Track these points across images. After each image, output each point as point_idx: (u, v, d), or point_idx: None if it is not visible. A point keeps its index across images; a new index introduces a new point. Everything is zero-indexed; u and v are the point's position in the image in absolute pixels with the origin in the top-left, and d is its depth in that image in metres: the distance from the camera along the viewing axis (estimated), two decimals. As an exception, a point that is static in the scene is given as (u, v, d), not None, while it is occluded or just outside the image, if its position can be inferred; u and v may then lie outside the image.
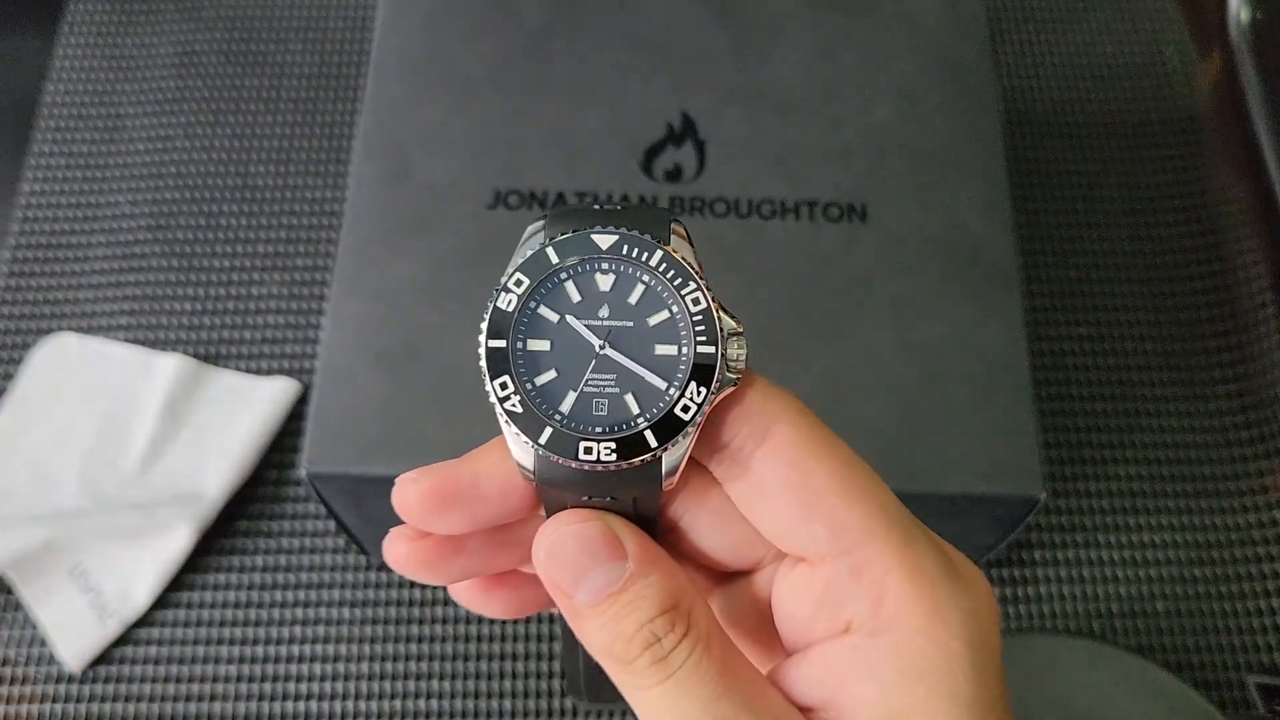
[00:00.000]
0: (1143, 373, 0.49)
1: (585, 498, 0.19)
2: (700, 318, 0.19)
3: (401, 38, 0.42)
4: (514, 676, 0.43)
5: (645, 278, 0.19)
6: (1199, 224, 0.53)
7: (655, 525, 0.20)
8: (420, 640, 0.43)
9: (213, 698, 0.42)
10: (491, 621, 0.44)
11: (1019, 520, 0.37)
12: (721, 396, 0.19)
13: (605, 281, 0.19)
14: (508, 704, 0.42)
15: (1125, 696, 0.40)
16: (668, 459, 0.19)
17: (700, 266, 0.19)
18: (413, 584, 0.44)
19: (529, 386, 0.19)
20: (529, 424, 0.18)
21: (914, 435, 0.36)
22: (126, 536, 0.43)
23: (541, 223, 0.19)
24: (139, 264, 0.51)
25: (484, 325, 0.19)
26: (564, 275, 0.19)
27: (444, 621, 0.44)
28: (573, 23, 0.43)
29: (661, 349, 0.19)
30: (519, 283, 0.19)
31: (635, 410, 0.18)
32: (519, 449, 0.19)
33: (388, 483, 0.37)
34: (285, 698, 0.42)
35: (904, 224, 0.39)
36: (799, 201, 0.39)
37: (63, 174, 0.53)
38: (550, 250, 0.19)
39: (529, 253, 0.19)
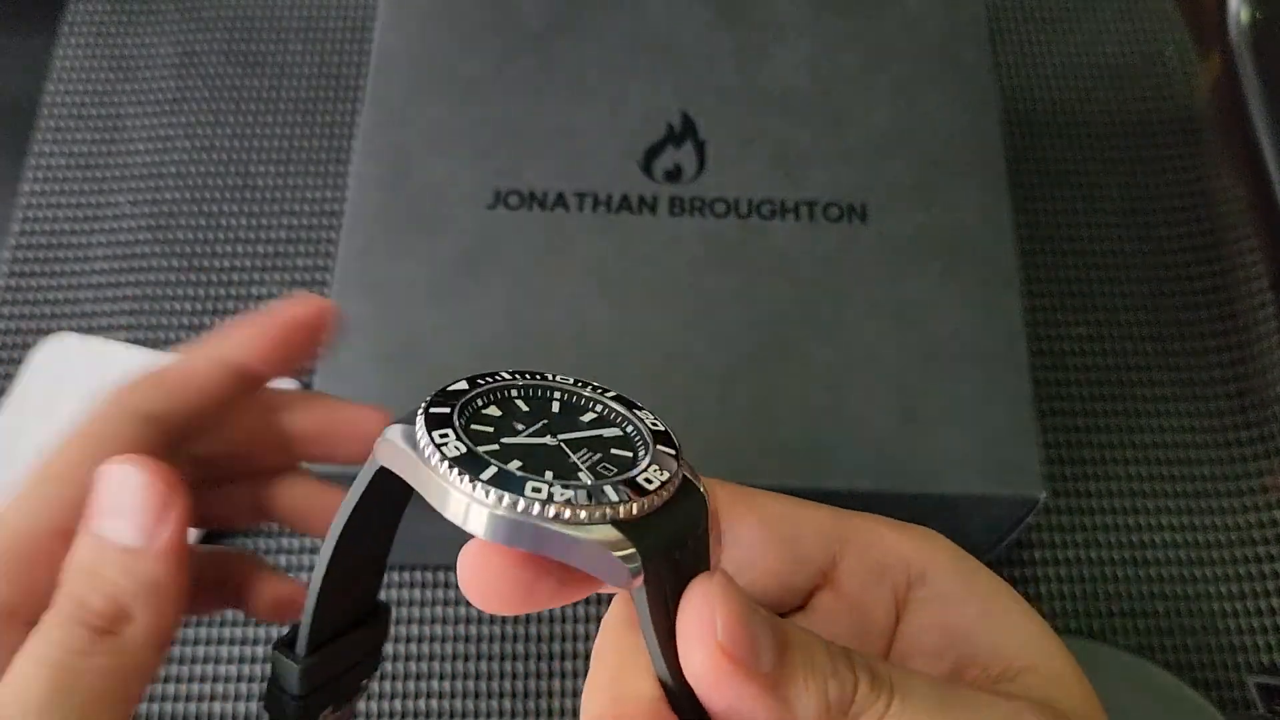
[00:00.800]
0: (1143, 373, 0.49)
1: (678, 554, 0.16)
2: (625, 406, 0.18)
3: (402, 38, 0.42)
4: (514, 676, 0.43)
5: (556, 394, 0.18)
6: (1199, 224, 0.53)
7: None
8: (420, 640, 0.43)
9: (213, 698, 0.42)
10: (492, 621, 0.44)
11: (1019, 520, 0.37)
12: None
13: (520, 402, 0.18)
14: (508, 704, 0.42)
15: (1125, 696, 0.40)
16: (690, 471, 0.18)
17: None
18: (413, 584, 0.44)
19: (555, 481, 0.16)
20: (600, 497, 0.16)
21: (914, 435, 0.36)
22: (127, 536, 0.43)
23: (393, 426, 0.17)
24: (139, 264, 0.51)
25: (462, 485, 0.16)
26: (466, 415, 0.17)
27: (444, 621, 0.44)
28: (573, 23, 0.43)
29: (603, 431, 0.18)
30: (443, 436, 0.16)
31: (629, 453, 0.17)
32: (602, 544, 0.15)
33: (388, 483, 0.37)
34: (285, 697, 0.42)
35: (904, 224, 0.39)
36: (799, 201, 0.39)
37: (63, 174, 0.53)
38: (435, 410, 0.17)
39: (415, 423, 0.17)
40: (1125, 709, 0.40)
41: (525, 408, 0.18)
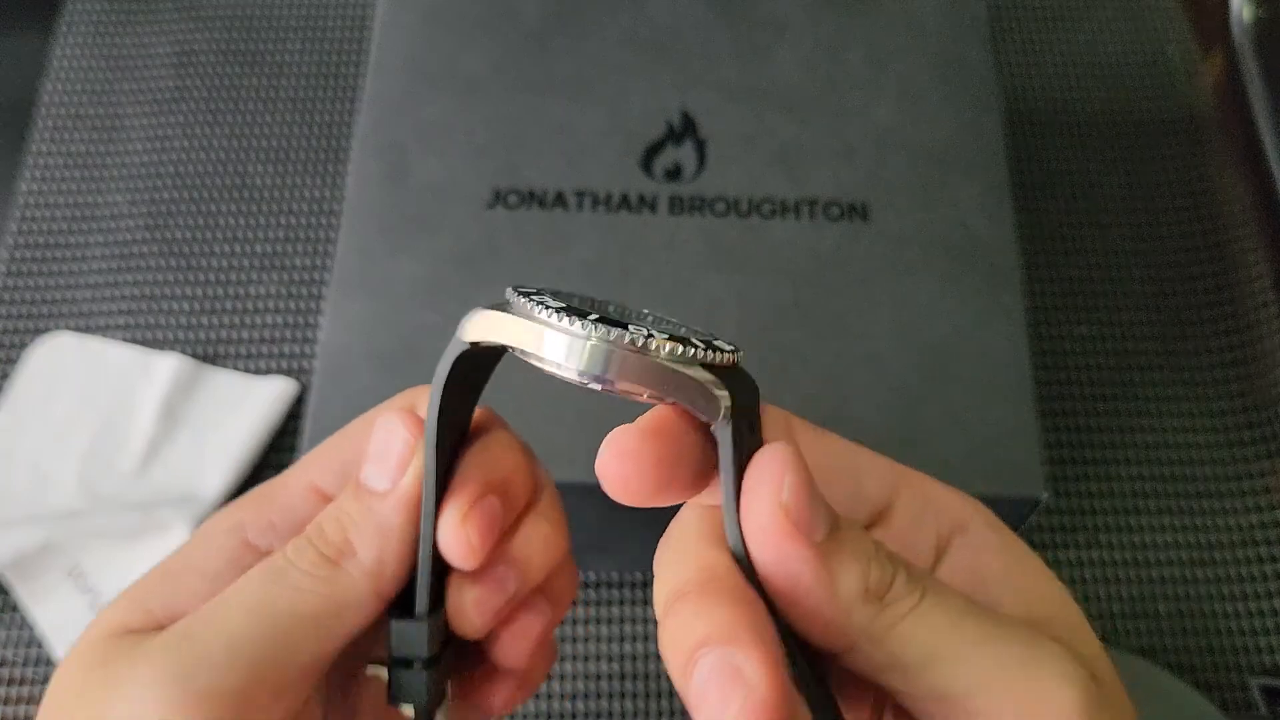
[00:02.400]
0: (1145, 373, 0.49)
1: (749, 419, 0.18)
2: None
3: (400, 36, 0.42)
4: (513, 678, 0.43)
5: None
6: (1201, 223, 0.53)
7: None
8: (419, 641, 0.43)
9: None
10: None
11: (1020, 521, 0.37)
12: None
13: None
14: (507, 705, 0.42)
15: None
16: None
17: None
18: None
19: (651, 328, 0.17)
20: (690, 343, 0.17)
21: (915, 435, 0.35)
22: (125, 537, 0.43)
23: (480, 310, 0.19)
24: (137, 263, 0.50)
25: (596, 334, 0.17)
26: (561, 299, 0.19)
27: (443, 622, 0.44)
28: (572, 21, 0.42)
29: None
30: (544, 303, 0.18)
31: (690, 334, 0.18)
32: (705, 384, 0.17)
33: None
34: (283, 699, 0.42)
35: (905, 223, 0.39)
36: (800, 200, 0.39)
37: (60, 173, 0.53)
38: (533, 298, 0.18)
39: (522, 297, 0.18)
40: (1127, 711, 0.39)
41: (588, 306, 0.19)
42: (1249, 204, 0.52)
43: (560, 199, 0.39)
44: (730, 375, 0.17)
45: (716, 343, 0.18)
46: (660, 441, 0.17)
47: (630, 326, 0.17)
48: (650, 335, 0.17)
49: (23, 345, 0.48)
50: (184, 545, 0.22)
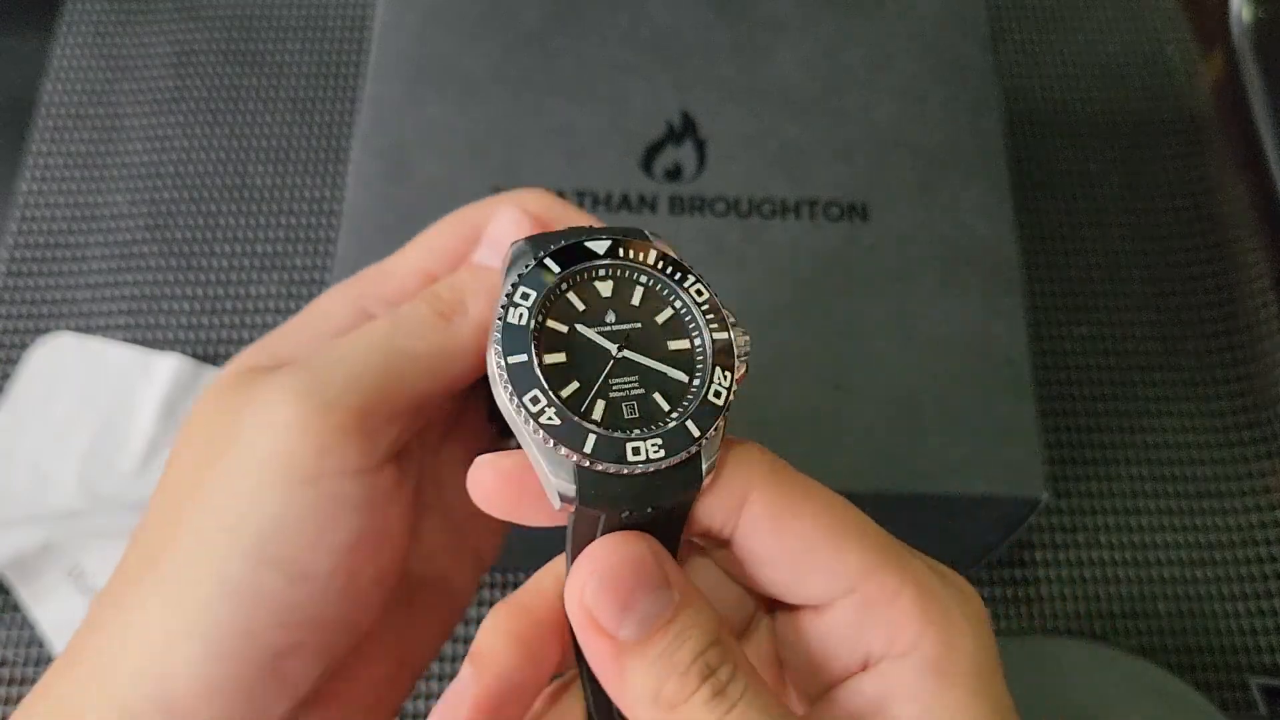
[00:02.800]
0: (1145, 373, 0.49)
1: (625, 514, 0.18)
2: (708, 307, 0.19)
3: (400, 36, 0.42)
4: (513, 678, 0.43)
5: (643, 278, 0.19)
6: (1201, 223, 0.53)
7: (678, 545, 0.19)
8: (419, 641, 0.43)
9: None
10: (491, 622, 0.43)
11: (1021, 521, 0.37)
12: (740, 377, 0.19)
13: (605, 288, 0.19)
14: (507, 705, 0.42)
15: (1127, 697, 0.40)
16: (706, 453, 0.18)
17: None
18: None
19: (555, 399, 0.18)
20: (570, 435, 0.17)
21: (915, 435, 0.35)
22: (124, 537, 0.43)
23: (524, 242, 0.19)
24: (137, 263, 0.50)
25: (498, 344, 0.18)
26: (565, 286, 0.19)
27: (443, 622, 0.44)
28: (572, 21, 0.42)
29: (675, 344, 0.19)
30: (525, 296, 0.18)
31: (667, 406, 0.18)
32: (556, 469, 0.18)
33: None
34: (283, 699, 0.42)
35: (905, 223, 0.39)
36: (800, 200, 0.39)
37: (60, 173, 0.53)
38: (548, 262, 0.19)
39: (525, 268, 0.19)
40: (1127, 710, 0.39)
41: (607, 294, 0.19)
42: (1248, 204, 0.52)
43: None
44: (624, 479, 0.18)
45: (649, 443, 0.18)
46: (512, 485, 0.19)
47: (541, 409, 0.18)
48: (542, 426, 0.18)
49: (23, 345, 0.48)
50: (303, 313, 0.25)
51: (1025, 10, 0.58)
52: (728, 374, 0.18)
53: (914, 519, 0.38)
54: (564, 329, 0.19)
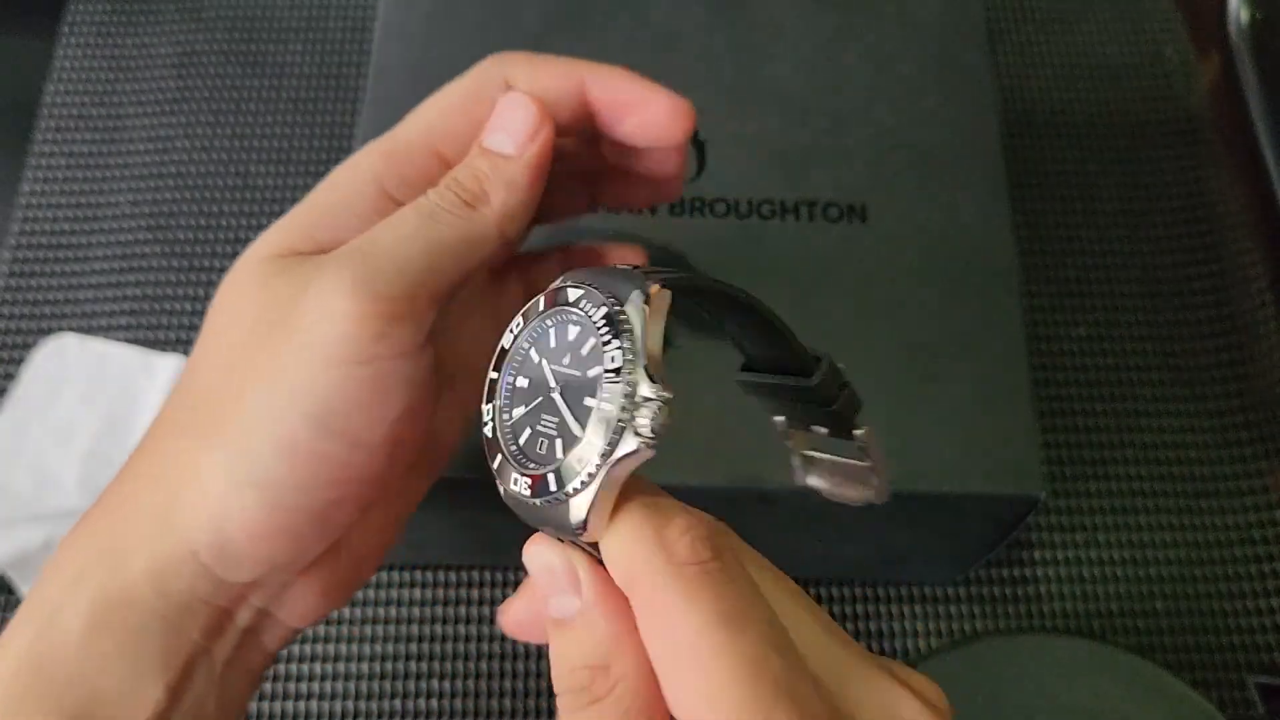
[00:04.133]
0: (1142, 373, 0.49)
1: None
2: (611, 377, 0.19)
3: (402, 38, 0.42)
4: (514, 676, 0.43)
5: (597, 333, 0.19)
6: (1198, 224, 0.53)
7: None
8: (420, 640, 0.43)
9: (213, 698, 0.42)
10: (492, 620, 0.44)
11: (1019, 520, 0.37)
12: (623, 459, 0.18)
13: (573, 332, 0.20)
14: (508, 703, 0.42)
15: (1125, 696, 0.40)
16: (573, 509, 0.19)
17: (655, 338, 0.19)
18: (413, 584, 0.44)
19: (505, 418, 0.21)
20: (492, 448, 0.21)
21: (913, 435, 0.36)
22: (127, 536, 0.44)
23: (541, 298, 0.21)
24: (139, 264, 0.51)
25: (492, 359, 0.21)
26: (549, 322, 0.20)
27: (444, 621, 0.44)
28: (572, 23, 0.43)
29: (588, 401, 0.19)
30: (518, 324, 0.21)
31: (559, 455, 0.19)
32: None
33: (388, 482, 0.36)
34: (285, 697, 0.42)
35: (904, 224, 0.39)
36: (798, 202, 0.40)
37: (63, 174, 0.53)
38: (541, 299, 0.21)
39: (534, 301, 0.21)
40: (1126, 710, 0.40)
41: (572, 338, 0.21)
42: (1246, 205, 0.53)
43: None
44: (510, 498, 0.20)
45: (516, 477, 0.20)
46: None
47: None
48: (484, 435, 0.21)
49: (26, 346, 0.49)
50: (324, 187, 0.27)
51: (1023, 12, 0.58)
52: (610, 446, 0.18)
53: (912, 518, 0.38)
54: (536, 359, 0.21)
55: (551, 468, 0.19)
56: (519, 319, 0.21)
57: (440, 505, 0.38)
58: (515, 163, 0.26)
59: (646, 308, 0.19)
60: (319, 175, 0.53)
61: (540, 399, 0.20)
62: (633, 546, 0.18)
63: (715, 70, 0.42)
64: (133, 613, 0.23)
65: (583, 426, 0.19)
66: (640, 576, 0.18)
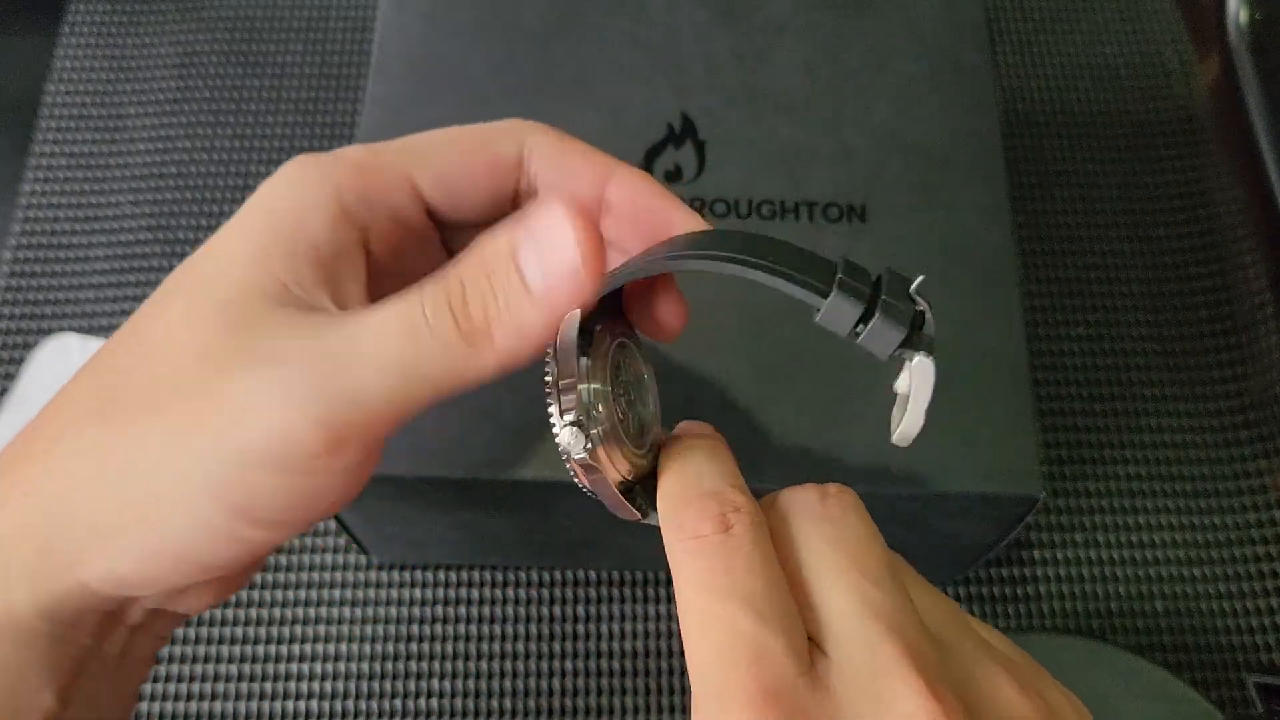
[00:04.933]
0: (1142, 372, 0.49)
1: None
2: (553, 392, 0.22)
3: (402, 38, 0.42)
4: (514, 676, 0.43)
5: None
6: (1198, 224, 0.53)
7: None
8: (420, 640, 0.43)
9: (213, 697, 0.42)
10: (492, 621, 0.44)
11: (1018, 520, 0.37)
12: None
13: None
14: (508, 703, 0.42)
15: (1125, 696, 0.40)
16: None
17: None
18: (413, 584, 0.44)
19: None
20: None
21: (913, 435, 0.36)
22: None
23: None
24: (140, 264, 0.51)
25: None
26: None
27: (444, 621, 0.44)
28: (573, 23, 0.43)
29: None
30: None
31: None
32: None
33: (388, 482, 0.37)
34: (285, 697, 0.42)
35: (904, 224, 0.39)
36: (799, 202, 0.40)
37: (64, 174, 0.53)
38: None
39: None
40: (1124, 708, 0.40)
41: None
42: (1245, 204, 0.53)
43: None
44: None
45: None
46: None
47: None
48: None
49: (26, 346, 0.49)
50: (279, 190, 0.24)
51: (1022, 12, 0.58)
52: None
53: (912, 518, 0.38)
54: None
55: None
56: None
57: (440, 505, 0.38)
58: (536, 305, 0.22)
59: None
60: (319, 175, 0.53)
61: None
62: (663, 519, 0.22)
63: (715, 71, 0.42)
64: (16, 632, 0.21)
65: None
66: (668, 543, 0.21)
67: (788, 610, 0.20)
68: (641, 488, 0.24)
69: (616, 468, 0.22)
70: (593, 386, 0.22)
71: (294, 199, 0.23)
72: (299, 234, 0.23)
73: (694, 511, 0.21)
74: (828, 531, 0.21)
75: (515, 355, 0.22)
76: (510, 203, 0.27)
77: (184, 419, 0.21)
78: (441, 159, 0.25)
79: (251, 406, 0.21)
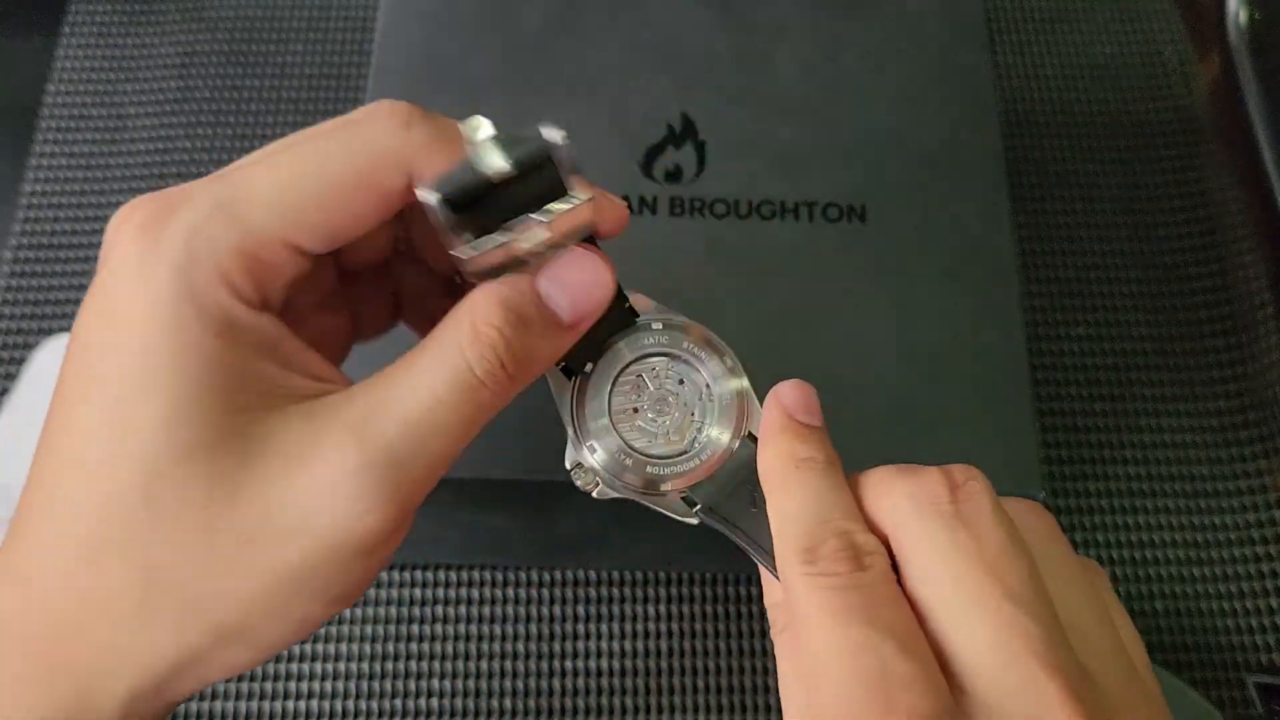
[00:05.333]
0: (1142, 372, 0.49)
1: None
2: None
3: (402, 39, 0.42)
4: (514, 676, 0.43)
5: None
6: (1198, 224, 0.53)
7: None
8: (420, 640, 0.43)
9: (213, 696, 0.42)
10: (492, 620, 0.44)
11: (1018, 520, 0.37)
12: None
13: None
14: (508, 703, 0.42)
15: (1124, 696, 0.40)
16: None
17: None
18: (413, 584, 0.44)
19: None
20: None
21: (913, 435, 0.36)
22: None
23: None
24: (140, 264, 0.51)
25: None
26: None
27: (444, 621, 0.44)
28: (573, 24, 0.43)
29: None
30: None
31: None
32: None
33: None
34: (285, 697, 0.42)
35: (903, 225, 0.39)
36: (798, 202, 0.40)
37: (64, 174, 0.53)
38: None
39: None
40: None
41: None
42: (1245, 204, 0.53)
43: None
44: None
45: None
46: None
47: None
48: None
49: (27, 347, 0.49)
50: (174, 346, 0.21)
51: (1022, 12, 0.58)
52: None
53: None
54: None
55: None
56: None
57: (440, 505, 0.38)
58: (566, 336, 0.23)
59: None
60: (320, 175, 0.53)
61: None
62: (785, 549, 0.22)
63: (715, 72, 0.42)
64: None
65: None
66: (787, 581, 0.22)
67: (924, 642, 0.20)
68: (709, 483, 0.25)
69: (652, 488, 0.25)
70: (601, 423, 0.25)
71: (198, 348, 0.21)
72: (226, 377, 0.21)
73: (828, 550, 0.21)
74: (963, 541, 0.20)
75: (527, 381, 0.23)
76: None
77: (214, 501, 0.21)
78: (320, 218, 0.23)
79: (304, 495, 0.20)
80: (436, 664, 0.43)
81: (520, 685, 0.43)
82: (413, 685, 0.43)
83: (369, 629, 0.43)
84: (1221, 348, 0.50)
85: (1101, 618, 0.21)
